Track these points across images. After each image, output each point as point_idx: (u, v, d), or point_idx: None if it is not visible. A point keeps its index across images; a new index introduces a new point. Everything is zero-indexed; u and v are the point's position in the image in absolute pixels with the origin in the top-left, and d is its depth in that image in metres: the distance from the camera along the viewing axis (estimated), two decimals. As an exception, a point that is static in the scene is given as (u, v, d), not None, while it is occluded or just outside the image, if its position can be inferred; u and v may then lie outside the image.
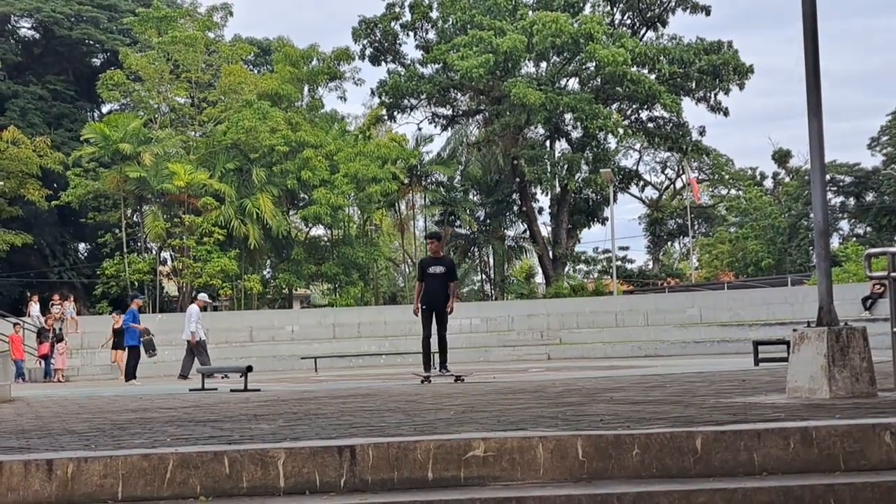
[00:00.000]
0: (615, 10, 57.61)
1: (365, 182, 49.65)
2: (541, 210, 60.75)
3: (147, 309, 48.87)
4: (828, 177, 52.24)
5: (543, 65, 54.81)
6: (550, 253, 56.74)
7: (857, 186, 64.44)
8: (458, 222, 59.96)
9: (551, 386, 13.59)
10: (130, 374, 26.95)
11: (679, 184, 74.16)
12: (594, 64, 51.16)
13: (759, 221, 65.15)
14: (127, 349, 27.85)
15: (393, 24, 56.49)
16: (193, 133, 52.98)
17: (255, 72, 59.31)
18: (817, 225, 9.58)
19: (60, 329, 34.94)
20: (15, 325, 34.50)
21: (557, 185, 54.96)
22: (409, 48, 57.84)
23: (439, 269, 18.24)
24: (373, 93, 56.62)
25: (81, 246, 64.91)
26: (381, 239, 58.29)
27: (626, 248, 75.58)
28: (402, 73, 55.62)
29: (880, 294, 34.42)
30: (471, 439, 5.85)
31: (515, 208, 59.84)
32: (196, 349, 28.41)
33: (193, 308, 29.36)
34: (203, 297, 31.82)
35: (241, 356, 33.64)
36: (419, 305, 18.15)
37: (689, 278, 67.09)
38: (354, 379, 21.98)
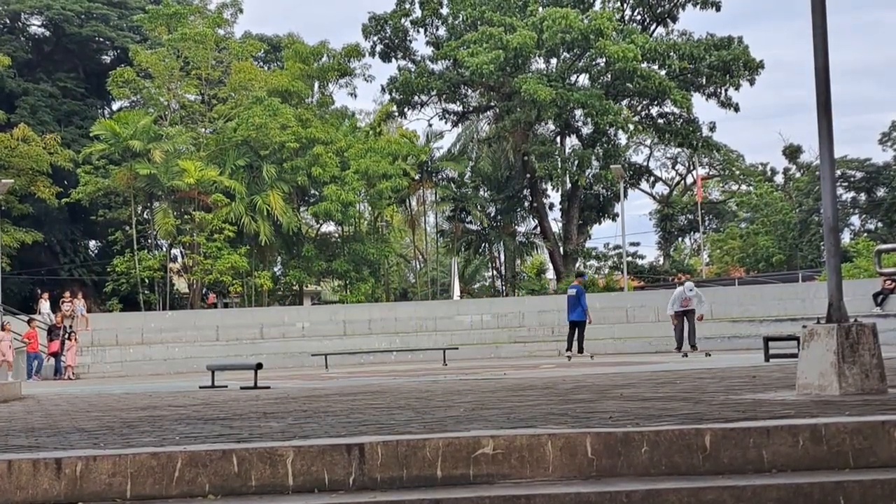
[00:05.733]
0: (625, 5, 57.56)
1: (375, 178, 49.68)
2: (551, 206, 60.80)
3: (157, 306, 49.03)
4: (838, 172, 52.18)
5: (553, 61, 54.76)
6: (561, 249, 56.70)
7: (868, 182, 64.33)
8: (468, 218, 59.97)
9: (561, 382, 13.59)
10: (581, 347, 28.81)
11: (690, 179, 74.07)
12: (604, 60, 51.13)
13: (770, 217, 65.00)
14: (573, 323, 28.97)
15: (403, 20, 56.50)
16: (203, 130, 53.05)
17: (265, 68, 59.35)
18: (827, 221, 9.53)
19: (71, 326, 35.01)
20: (30, 320, 34.71)
21: (568, 181, 54.93)
22: (420, 45, 57.99)
23: None
24: (383, 89, 56.71)
25: (92, 243, 65.05)
26: (392, 235, 58.28)
27: (637, 244, 75.54)
28: (413, 70, 55.65)
29: (891, 290, 34.37)
30: (480, 437, 5.84)
31: (526, 204, 59.85)
32: (681, 317, 29.62)
33: (677, 290, 30.74)
34: (689, 285, 31.51)
35: (251, 353, 33.68)
36: None
37: (699, 274, 66.92)
38: (365, 376, 21.99)
